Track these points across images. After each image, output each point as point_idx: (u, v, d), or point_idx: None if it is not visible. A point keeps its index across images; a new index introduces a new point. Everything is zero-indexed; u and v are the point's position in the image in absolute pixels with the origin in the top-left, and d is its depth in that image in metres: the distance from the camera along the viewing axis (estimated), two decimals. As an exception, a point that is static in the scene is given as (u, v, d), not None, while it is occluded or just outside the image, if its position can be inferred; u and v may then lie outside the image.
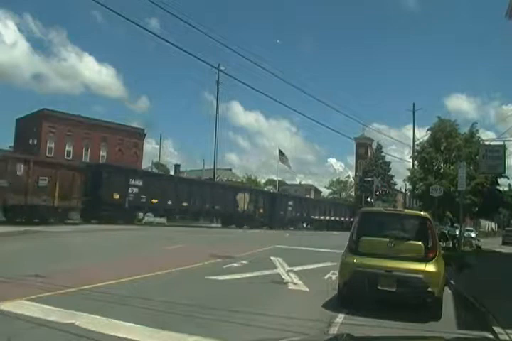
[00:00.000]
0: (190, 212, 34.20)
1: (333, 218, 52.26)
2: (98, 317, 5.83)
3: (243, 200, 38.89)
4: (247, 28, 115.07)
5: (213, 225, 36.51)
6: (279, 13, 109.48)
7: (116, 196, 27.70)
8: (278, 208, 43.67)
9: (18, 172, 21.64)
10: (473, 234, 45.30)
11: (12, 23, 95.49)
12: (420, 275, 7.03)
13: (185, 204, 32.81)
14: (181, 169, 68.04)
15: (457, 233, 23.06)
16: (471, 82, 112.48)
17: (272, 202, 43.27)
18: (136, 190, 28.91)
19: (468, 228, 46.24)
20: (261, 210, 41.34)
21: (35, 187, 22.54)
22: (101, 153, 48.26)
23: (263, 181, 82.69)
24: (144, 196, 29.37)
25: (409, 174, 28.37)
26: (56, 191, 23.52)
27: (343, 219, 53.01)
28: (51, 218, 23.63)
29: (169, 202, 31.57)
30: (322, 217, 50.62)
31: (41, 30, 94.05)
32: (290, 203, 46.13)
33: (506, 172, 20.49)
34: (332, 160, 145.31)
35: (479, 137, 24.67)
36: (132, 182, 28.84)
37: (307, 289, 9.14)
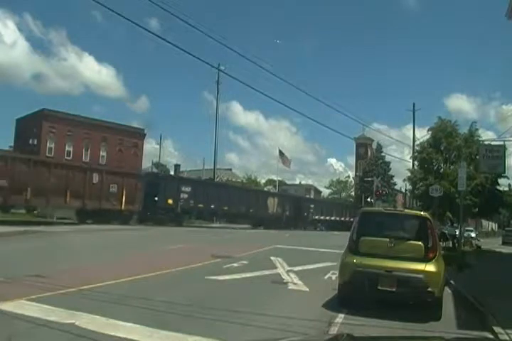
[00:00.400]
0: (229, 214, 38.15)
1: (347, 219, 53.81)
2: (98, 317, 5.83)
3: (273, 204, 42.63)
4: (247, 28, 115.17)
5: (240, 226, 39.03)
6: (279, 13, 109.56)
7: (170, 201, 31.08)
8: (302, 210, 46.74)
9: (94, 181, 25.75)
10: (473, 234, 45.27)
11: (12, 22, 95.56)
12: (420, 276, 7.03)
13: (225, 207, 36.26)
14: (181, 169, 68.06)
15: (457, 233, 23.06)
16: (471, 82, 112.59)
17: (297, 205, 46.66)
18: (186, 195, 32.39)
19: (468, 228, 46.18)
20: (287, 213, 44.56)
21: (107, 194, 26.52)
22: (101, 153, 48.26)
23: (263, 181, 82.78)
24: (192, 201, 32.88)
25: (409, 174, 28.36)
26: (123, 197, 27.63)
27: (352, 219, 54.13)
28: (116, 220, 26.69)
29: (212, 206, 34.93)
30: (337, 218, 53.65)
31: (41, 30, 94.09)
32: (312, 206, 49.48)
33: (506, 172, 20.48)
34: (332, 160, 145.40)
35: (479, 136, 24.67)
36: (183, 188, 32.38)
37: (307, 289, 9.14)
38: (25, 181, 22.64)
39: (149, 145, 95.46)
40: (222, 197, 36.02)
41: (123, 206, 27.72)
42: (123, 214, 27.87)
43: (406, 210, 9.69)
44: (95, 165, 31.83)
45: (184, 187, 32.57)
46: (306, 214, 47.46)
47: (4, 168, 22.12)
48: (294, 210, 45.22)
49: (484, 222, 75.24)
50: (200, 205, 33.73)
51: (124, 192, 27.63)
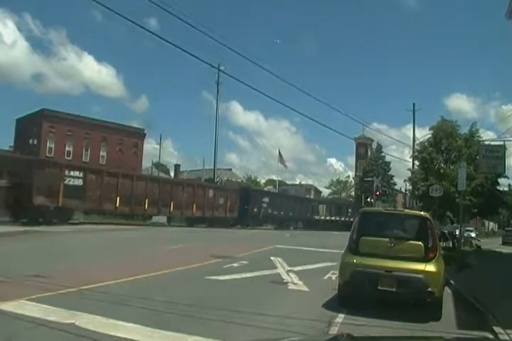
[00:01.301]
0: (293, 219, 46.24)
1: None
2: (98, 317, 5.83)
3: (322, 210, 52.09)
4: (247, 28, 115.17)
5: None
6: (279, 12, 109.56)
7: (255, 209, 40.10)
8: (342, 214, 54.27)
9: (210, 195, 35.72)
10: (473, 234, 45.21)
11: (11, 22, 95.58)
12: (420, 276, 7.03)
13: (290, 214, 45.37)
14: (181, 169, 68.13)
15: (457, 232, 23.05)
16: (471, 82, 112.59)
17: (339, 209, 55.37)
18: (265, 205, 41.46)
19: (469, 228, 46.13)
20: (332, 217, 52.48)
21: (217, 205, 36.18)
22: (101, 153, 48.27)
23: (263, 181, 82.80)
24: (269, 209, 41.89)
25: (409, 174, 28.35)
26: (228, 206, 37.17)
27: None
28: (221, 225, 34.88)
29: (282, 213, 43.83)
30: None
31: (40, 30, 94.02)
32: (349, 210, 56.06)
33: (506, 172, 20.47)
34: (332, 160, 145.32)
35: (479, 137, 24.66)
36: (264, 199, 41.92)
37: (307, 289, 9.14)
38: (167, 197, 31.64)
39: (149, 145, 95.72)
40: (289, 205, 45.82)
41: (227, 214, 37.22)
42: (226, 221, 36.72)
43: (406, 210, 9.69)
44: (208, 183, 42.95)
45: (265, 198, 42.36)
46: (343, 218, 53.66)
47: (145, 186, 30.03)
48: (336, 214, 53.94)
49: (486, 222, 75.21)
50: (275, 212, 42.81)
51: (228, 203, 37.33)
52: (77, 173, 25.97)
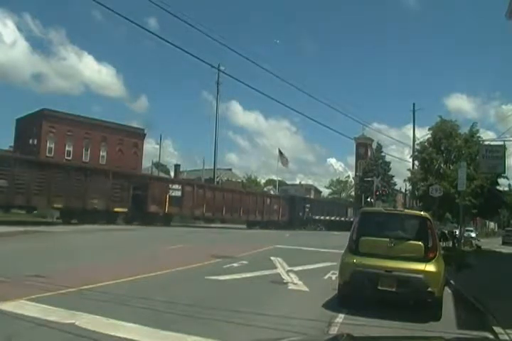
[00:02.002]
0: (328, 222, 50.86)
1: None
2: (98, 317, 5.83)
3: (351, 212, 56.05)
4: (247, 28, 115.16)
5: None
6: (278, 12, 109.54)
7: (300, 213, 46.68)
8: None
9: (267, 203, 43.11)
10: (473, 234, 45.18)
11: (11, 22, 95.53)
12: (420, 276, 7.02)
13: (327, 217, 51.25)
14: (181, 169, 68.12)
15: (457, 232, 23.06)
16: (471, 82, 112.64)
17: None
18: (307, 209, 48.05)
19: (469, 228, 46.11)
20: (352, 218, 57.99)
21: (272, 210, 43.28)
22: (101, 153, 48.28)
23: (263, 181, 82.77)
24: (310, 213, 48.35)
25: (409, 174, 28.36)
26: (280, 212, 44.24)
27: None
28: (274, 227, 39.72)
29: (321, 217, 50.08)
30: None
31: (40, 30, 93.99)
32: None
33: (506, 172, 20.47)
34: (332, 160, 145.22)
35: (479, 137, 24.66)
36: (307, 205, 48.68)
37: (307, 289, 9.14)
38: (239, 205, 38.91)
39: (149, 146, 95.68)
40: (325, 209, 52.12)
41: (279, 218, 44.13)
42: (279, 224, 42.66)
43: (406, 210, 9.69)
44: (268, 193, 53.21)
45: (307, 204, 49.17)
46: None
47: (223, 196, 36.90)
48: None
49: (486, 223, 75.21)
50: (315, 217, 49.05)
51: (280, 209, 44.33)
52: (176, 186, 33.29)
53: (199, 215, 35.72)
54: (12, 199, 23.29)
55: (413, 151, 29.06)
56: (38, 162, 27.41)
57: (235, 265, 12.10)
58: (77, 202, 25.38)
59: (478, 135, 24.91)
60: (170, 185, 32.56)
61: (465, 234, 34.17)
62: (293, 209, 45.69)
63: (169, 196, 31.49)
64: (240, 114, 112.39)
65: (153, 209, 30.54)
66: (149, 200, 30.33)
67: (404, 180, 31.34)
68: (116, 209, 27.79)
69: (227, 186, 49.77)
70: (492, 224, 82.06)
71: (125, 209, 28.33)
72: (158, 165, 59.22)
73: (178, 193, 32.54)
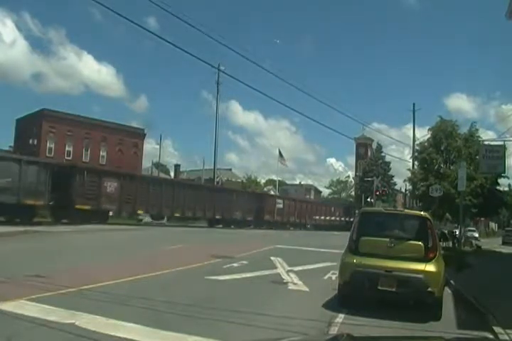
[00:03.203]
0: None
1: None
2: (98, 317, 5.83)
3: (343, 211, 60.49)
4: (247, 28, 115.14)
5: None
6: (278, 12, 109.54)
7: (352, 218, 47.91)
8: None
9: (332, 210, 52.71)
10: (476, 234, 44.99)
11: (10, 21, 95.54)
12: (420, 276, 7.03)
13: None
14: (181, 169, 68.14)
15: (457, 232, 23.05)
16: (471, 82, 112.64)
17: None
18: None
19: (471, 228, 45.87)
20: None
21: (335, 216, 53.95)
22: (101, 153, 48.27)
23: (263, 181, 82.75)
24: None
25: (409, 174, 28.35)
26: (340, 216, 54.55)
27: None
28: (336, 229, 44.43)
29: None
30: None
31: (40, 29, 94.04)
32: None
33: (506, 172, 20.47)
34: (331, 160, 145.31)
35: (479, 136, 24.66)
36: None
37: (307, 289, 9.14)
38: (304, 213, 49.21)
39: (149, 146, 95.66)
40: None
41: (339, 222, 53.29)
42: (338, 226, 49.26)
43: (406, 210, 9.69)
44: (330, 202, 64.59)
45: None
46: None
47: (288, 204, 46.66)
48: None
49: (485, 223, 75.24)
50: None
51: (339, 214, 56.12)
52: (280, 200, 45.89)
53: (292, 221, 47.27)
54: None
55: (413, 151, 29.05)
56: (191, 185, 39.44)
57: (235, 265, 12.10)
58: (226, 213, 37.10)
59: (477, 135, 24.92)
60: (277, 200, 45.89)
61: (468, 234, 34.13)
62: (347, 214, 52.88)
63: (277, 208, 44.14)
64: (239, 114, 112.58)
65: (266, 218, 42.42)
66: (265, 211, 42.01)
67: (404, 180, 31.35)
68: (248, 218, 39.83)
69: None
70: (492, 224, 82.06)
71: (251, 218, 40.32)
72: (158, 165, 59.22)
73: (281, 205, 44.97)
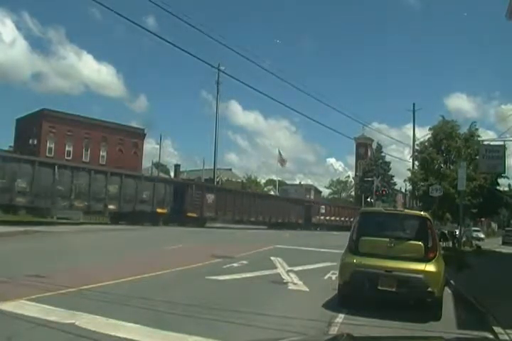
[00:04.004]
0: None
1: None
2: (98, 317, 5.83)
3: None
4: (247, 28, 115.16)
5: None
6: (278, 12, 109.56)
7: None
8: None
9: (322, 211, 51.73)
10: (481, 235, 44.44)
11: (10, 21, 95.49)
12: (420, 276, 7.03)
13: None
14: (181, 169, 68.11)
15: (457, 232, 23.05)
16: (471, 82, 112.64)
17: None
18: None
19: (475, 228, 45.22)
20: None
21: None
22: (101, 153, 48.29)
23: (263, 181, 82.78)
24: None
25: (409, 174, 28.35)
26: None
27: None
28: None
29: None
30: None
31: (39, 29, 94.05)
32: None
33: (506, 172, 20.47)
34: (331, 160, 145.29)
35: (478, 136, 24.68)
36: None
37: (307, 289, 9.14)
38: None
39: (149, 146, 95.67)
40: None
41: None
42: None
43: (406, 210, 9.69)
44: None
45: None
46: None
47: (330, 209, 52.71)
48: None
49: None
50: None
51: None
52: (323, 207, 51.46)
53: (335, 223, 51.03)
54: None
55: (413, 151, 29.06)
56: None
57: (235, 265, 12.10)
58: (283, 217, 43.51)
59: (477, 134, 24.94)
60: (320, 206, 51.74)
61: (473, 235, 33.91)
62: None
63: (320, 212, 49.58)
64: (239, 114, 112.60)
65: (313, 220, 47.90)
66: (313, 214, 48.14)
67: (405, 180, 31.34)
68: (299, 222, 45.38)
69: (228, 186, 51.74)
70: (492, 224, 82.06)
71: (301, 221, 45.72)
72: (158, 165, 59.22)
73: (323, 210, 50.52)
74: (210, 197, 34.90)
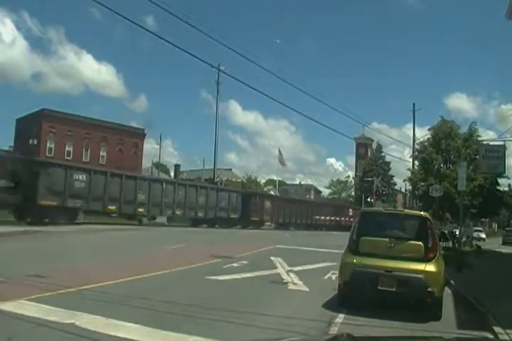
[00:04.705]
0: None
1: None
2: (98, 317, 5.83)
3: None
4: (247, 28, 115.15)
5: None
6: (278, 12, 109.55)
7: None
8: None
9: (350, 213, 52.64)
10: (483, 235, 43.60)
11: (9, 21, 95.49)
12: (420, 276, 7.03)
13: None
14: (181, 169, 68.09)
15: (457, 232, 23.05)
16: (471, 82, 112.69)
17: None
18: None
19: (477, 228, 44.38)
20: None
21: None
22: (101, 153, 48.27)
23: (263, 181, 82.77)
24: None
25: (409, 174, 28.36)
26: None
27: None
28: None
29: None
30: None
31: (39, 29, 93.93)
32: None
33: (506, 172, 20.47)
34: (331, 160, 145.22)
35: (478, 136, 24.69)
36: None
37: (307, 289, 9.14)
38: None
39: (149, 146, 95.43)
40: None
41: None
42: None
43: (406, 210, 9.68)
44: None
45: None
46: None
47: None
48: None
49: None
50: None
51: None
52: (351, 210, 53.31)
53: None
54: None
55: (413, 151, 29.06)
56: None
57: (235, 265, 12.10)
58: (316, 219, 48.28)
59: (477, 134, 24.94)
60: (348, 209, 54.42)
61: (474, 235, 33.55)
62: None
63: (349, 214, 51.77)
64: (239, 114, 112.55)
65: (342, 223, 49.44)
66: (342, 217, 51.30)
67: (404, 180, 31.39)
68: (330, 223, 49.80)
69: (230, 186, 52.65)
70: (492, 224, 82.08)
71: (332, 223, 50.10)
72: (158, 165, 59.20)
73: (351, 213, 51.83)
74: (267, 204, 41.33)
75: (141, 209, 29.56)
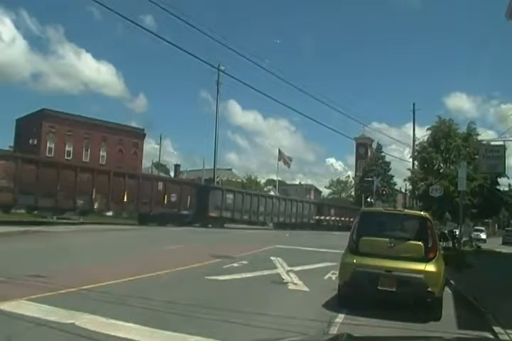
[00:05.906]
0: None
1: None
2: (98, 317, 5.83)
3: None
4: (247, 29, 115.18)
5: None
6: (278, 12, 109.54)
7: None
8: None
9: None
10: (483, 236, 41.41)
11: (9, 20, 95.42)
12: (420, 276, 7.03)
13: None
14: (181, 169, 68.14)
15: (457, 232, 23.05)
16: (470, 82, 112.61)
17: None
18: None
19: (479, 228, 42.62)
20: None
21: None
22: (101, 153, 48.28)
23: (263, 181, 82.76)
24: None
25: (409, 174, 28.37)
26: None
27: None
28: None
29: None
30: None
31: (38, 28, 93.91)
32: None
33: (506, 172, 20.46)
34: (331, 160, 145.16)
35: (477, 135, 24.69)
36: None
37: (307, 289, 9.15)
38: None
39: (149, 146, 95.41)
40: None
41: None
42: None
43: (406, 210, 9.70)
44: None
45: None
46: None
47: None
48: None
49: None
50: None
51: None
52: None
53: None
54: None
55: (413, 151, 29.06)
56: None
57: (235, 265, 12.10)
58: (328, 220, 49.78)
59: (476, 133, 24.94)
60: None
61: (473, 235, 33.19)
62: None
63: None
64: (238, 114, 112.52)
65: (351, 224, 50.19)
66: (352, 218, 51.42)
67: (404, 180, 31.38)
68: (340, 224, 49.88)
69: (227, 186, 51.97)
70: (492, 224, 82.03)
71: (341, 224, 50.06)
72: (158, 165, 59.22)
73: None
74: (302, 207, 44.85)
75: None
